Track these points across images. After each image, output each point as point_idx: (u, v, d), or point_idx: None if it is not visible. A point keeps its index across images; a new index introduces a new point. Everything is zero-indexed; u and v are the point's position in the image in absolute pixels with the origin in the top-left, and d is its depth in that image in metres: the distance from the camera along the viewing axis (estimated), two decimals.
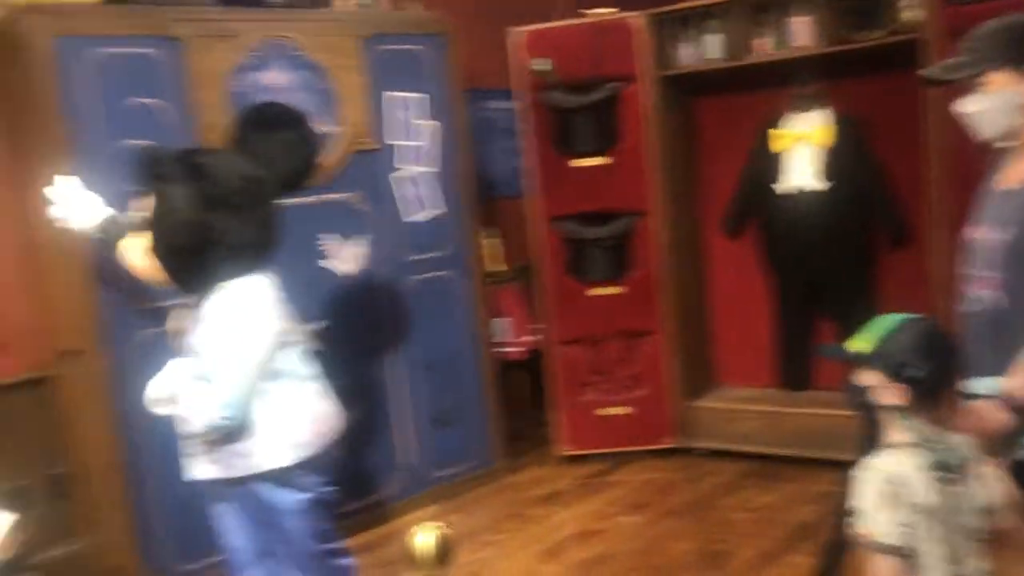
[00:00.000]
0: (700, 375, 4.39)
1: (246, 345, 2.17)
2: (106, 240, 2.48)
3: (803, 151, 3.91)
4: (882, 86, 3.82)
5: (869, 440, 2.11)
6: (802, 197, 3.91)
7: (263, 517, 2.32)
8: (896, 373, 1.81)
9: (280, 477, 2.26)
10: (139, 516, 3.15)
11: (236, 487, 2.29)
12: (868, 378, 1.87)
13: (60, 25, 2.95)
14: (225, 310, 2.19)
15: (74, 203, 2.50)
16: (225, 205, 2.18)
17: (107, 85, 3.04)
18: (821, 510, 3.46)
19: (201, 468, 2.31)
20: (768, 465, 4.01)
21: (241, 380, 2.17)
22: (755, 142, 4.07)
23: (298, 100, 3.44)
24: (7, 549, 2.65)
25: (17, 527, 2.70)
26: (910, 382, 1.80)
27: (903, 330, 1.84)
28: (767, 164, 4.00)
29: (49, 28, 2.92)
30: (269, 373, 2.22)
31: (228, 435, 2.20)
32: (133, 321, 3.08)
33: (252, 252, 2.24)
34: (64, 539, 3.41)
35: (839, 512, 1.96)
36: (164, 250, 2.20)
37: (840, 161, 3.84)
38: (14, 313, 3.31)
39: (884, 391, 1.84)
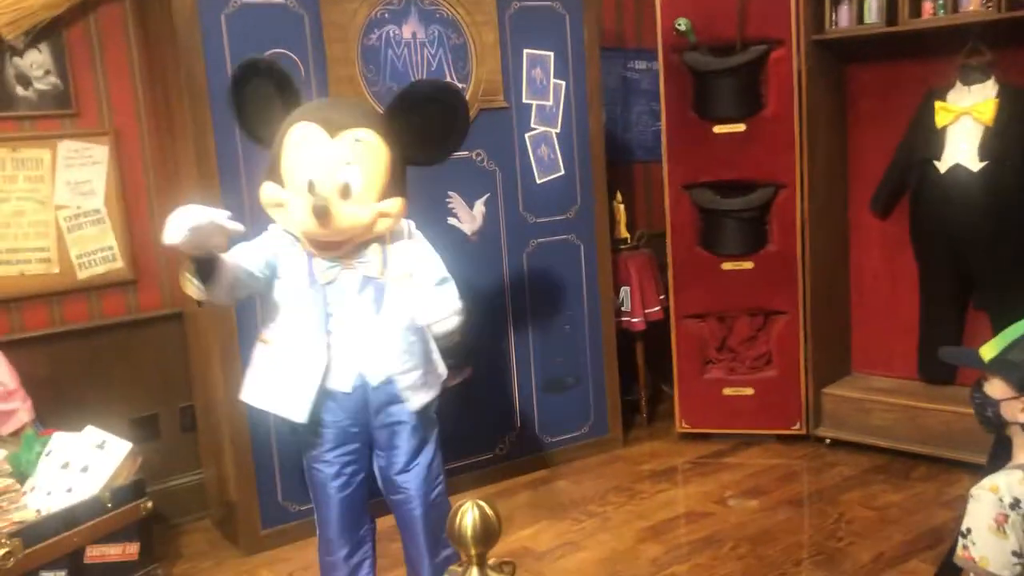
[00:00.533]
0: (834, 360, 4.15)
1: None
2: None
3: (967, 126, 3.57)
4: None
5: (996, 456, 1.91)
6: (962, 176, 3.58)
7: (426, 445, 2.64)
8: (1021, 385, 1.62)
9: None
10: (257, 454, 3.27)
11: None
12: (995, 388, 1.68)
13: None
14: (418, 238, 2.64)
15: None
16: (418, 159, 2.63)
17: (245, 34, 3.11)
18: (953, 516, 3.22)
19: (419, 397, 2.55)
20: (900, 462, 3.76)
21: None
22: (915, 115, 3.76)
23: (431, 56, 3.46)
24: (122, 475, 2.82)
25: (132, 455, 2.88)
26: None
27: None
28: (927, 139, 3.68)
29: None
30: None
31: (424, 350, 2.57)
32: None
33: None
34: (189, 469, 3.62)
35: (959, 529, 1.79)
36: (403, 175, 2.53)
37: (1008, 139, 3.48)
38: (151, 249, 3.49)
39: (1010, 404, 1.65)
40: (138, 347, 3.46)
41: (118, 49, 3.38)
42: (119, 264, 3.42)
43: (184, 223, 2.08)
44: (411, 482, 2.60)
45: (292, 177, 2.38)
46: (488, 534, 1.21)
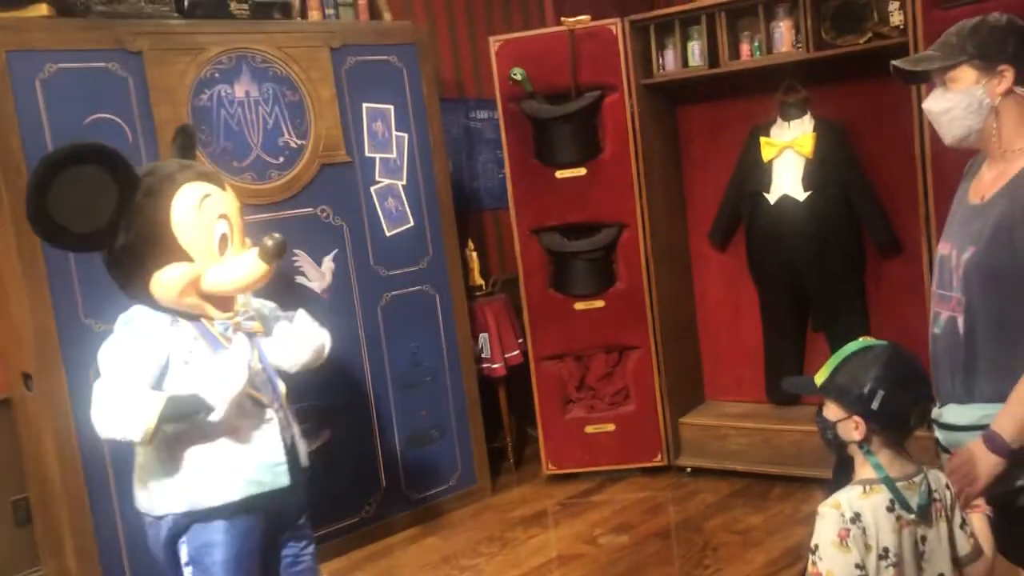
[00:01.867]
0: (688, 390, 4.27)
1: None
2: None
3: (791, 159, 3.79)
4: (868, 92, 3.70)
5: (838, 474, 1.99)
6: (788, 206, 3.79)
7: None
8: (850, 405, 1.70)
9: None
10: (102, 544, 3.05)
11: None
12: (830, 411, 1.76)
13: (12, 39, 2.86)
14: None
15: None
16: None
17: (63, 100, 2.96)
18: (808, 531, 3.33)
19: None
20: (758, 484, 3.89)
21: None
22: (741, 150, 3.96)
23: (266, 113, 3.39)
24: None
25: None
26: (866, 415, 1.68)
27: (857, 359, 1.72)
28: (755, 172, 3.88)
29: (0, 43, 2.84)
30: None
31: None
32: (92, 344, 2.99)
33: None
34: (26, 567, 3.34)
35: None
36: None
37: (826, 169, 3.72)
38: None
39: (844, 424, 1.73)
40: None
41: None
42: None
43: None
44: None
45: (201, 241, 2.15)
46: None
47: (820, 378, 1.75)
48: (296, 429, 2.35)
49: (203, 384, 2.11)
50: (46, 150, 2.91)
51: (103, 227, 2.10)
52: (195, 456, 2.18)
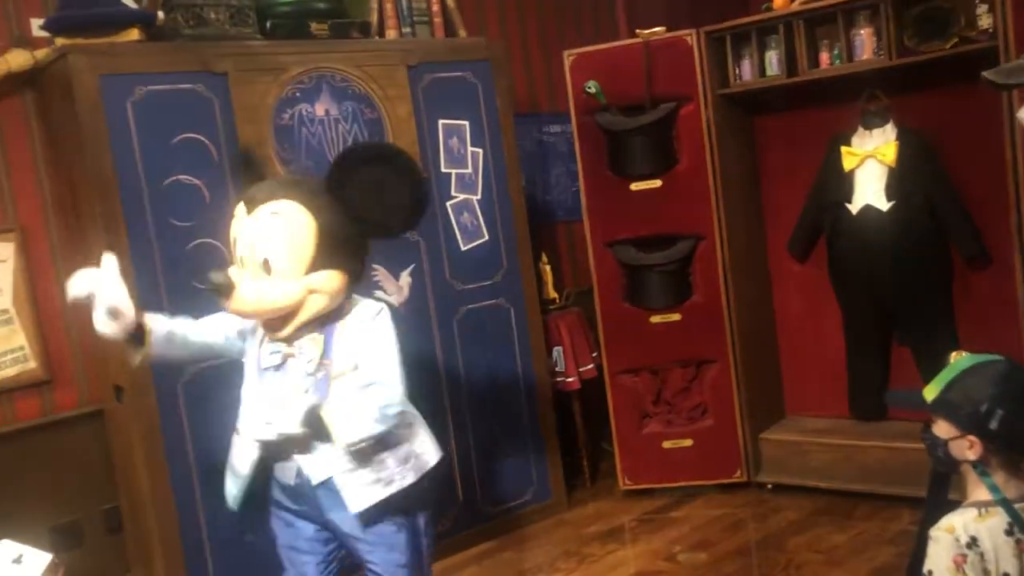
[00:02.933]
0: (768, 405, 4.19)
1: (397, 350, 2.31)
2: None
3: (873, 168, 3.70)
4: (954, 99, 3.59)
5: (935, 493, 1.92)
6: (871, 216, 3.69)
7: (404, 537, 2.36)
8: (966, 424, 1.62)
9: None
10: (188, 551, 3.12)
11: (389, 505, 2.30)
12: (941, 429, 1.69)
13: (105, 64, 2.98)
14: (375, 319, 2.31)
15: (109, 291, 2.28)
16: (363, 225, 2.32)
17: (153, 121, 3.06)
18: (898, 552, 3.24)
19: (364, 495, 2.26)
20: (841, 501, 3.78)
21: (400, 382, 2.29)
22: (823, 160, 3.88)
23: (345, 131, 3.45)
24: None
25: (52, 567, 2.71)
26: (983, 434, 1.61)
27: (973, 375, 1.64)
28: (836, 182, 3.80)
29: (95, 67, 2.96)
30: None
31: (380, 447, 2.28)
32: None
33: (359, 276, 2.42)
34: (120, 573, 3.44)
35: (913, 572, 1.78)
36: (353, 249, 2.32)
37: (910, 178, 3.62)
38: (70, 347, 3.36)
39: (957, 443, 1.65)
40: (56, 450, 3.30)
41: (20, 144, 3.28)
42: (32, 365, 3.28)
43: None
44: None
45: (233, 256, 2.34)
46: None
47: (931, 394, 1.68)
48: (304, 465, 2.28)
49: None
50: (137, 170, 3.02)
51: None
52: None
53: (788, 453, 4.00)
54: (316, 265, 2.23)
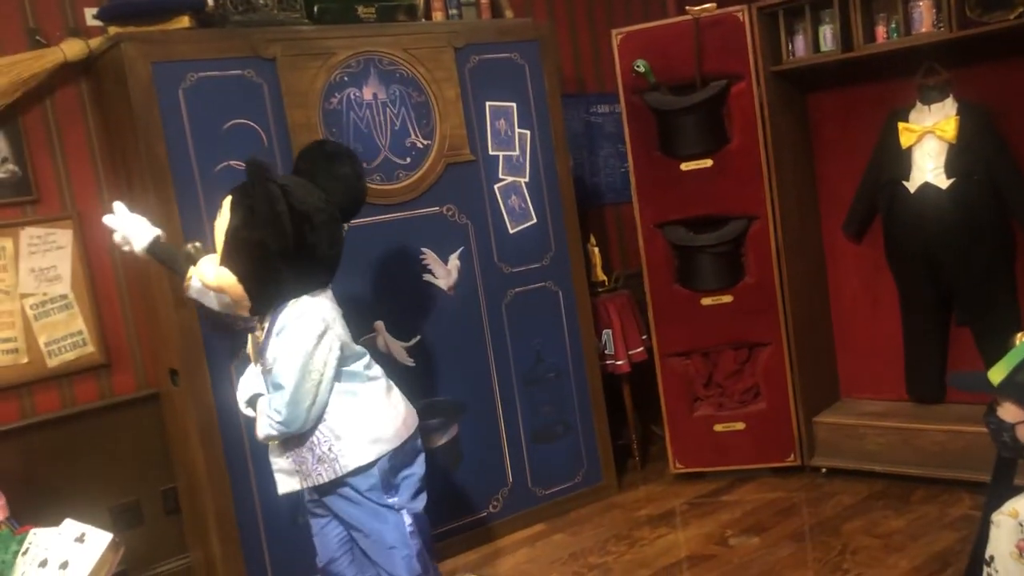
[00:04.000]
0: (822, 387, 4.11)
1: (307, 358, 2.36)
2: (157, 260, 2.75)
3: (932, 145, 3.59)
4: (1018, 71, 3.47)
5: (1000, 477, 1.87)
6: (932, 194, 3.59)
7: (355, 524, 2.52)
8: None
9: (367, 477, 2.45)
10: (244, 532, 3.17)
11: (329, 495, 2.51)
12: (1008, 412, 1.63)
13: (157, 51, 3.01)
14: (293, 324, 2.39)
15: (128, 227, 2.72)
16: (309, 222, 2.37)
17: (204, 108, 3.09)
18: (958, 537, 3.17)
19: (285, 482, 2.54)
20: (898, 486, 3.71)
21: (298, 391, 2.36)
22: (879, 137, 3.78)
23: (393, 115, 3.45)
24: (104, 568, 2.71)
25: (113, 546, 2.77)
26: None
27: None
28: (893, 160, 3.70)
29: (147, 55, 2.99)
30: (338, 381, 2.45)
31: (299, 442, 2.45)
32: (234, 339, 3.12)
33: (324, 270, 2.47)
34: (176, 554, 3.51)
35: (976, 557, 1.73)
36: (252, 258, 2.35)
37: (970, 154, 3.51)
38: (126, 332, 3.43)
39: None
40: (114, 432, 3.37)
41: (77, 132, 3.34)
42: (90, 349, 3.34)
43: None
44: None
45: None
46: None
47: (997, 376, 1.63)
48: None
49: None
50: (189, 156, 3.06)
51: None
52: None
53: (843, 436, 3.92)
54: (222, 262, 2.43)
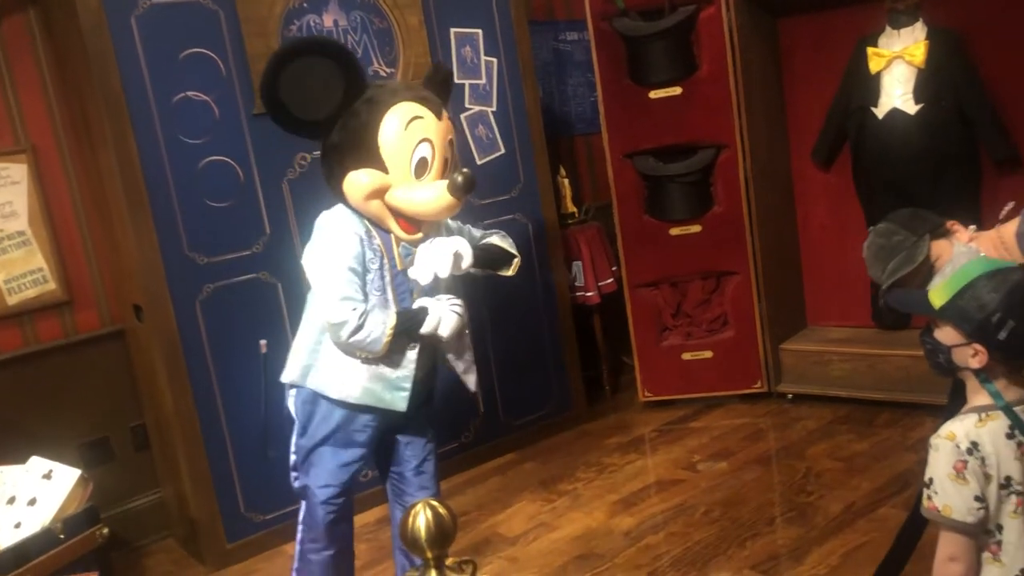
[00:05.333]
0: (789, 316, 4.15)
1: (326, 263, 2.36)
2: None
3: (901, 70, 3.57)
4: None
5: (953, 400, 1.90)
6: (900, 120, 3.58)
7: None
8: (972, 332, 1.58)
9: None
10: (214, 467, 3.18)
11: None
12: (945, 335, 1.65)
13: None
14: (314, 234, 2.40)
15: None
16: None
17: (158, 36, 2.99)
18: (918, 459, 3.22)
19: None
20: (862, 410, 3.78)
21: (328, 291, 2.33)
22: (848, 63, 3.75)
23: (355, 42, 3.36)
24: (73, 504, 2.72)
25: (82, 482, 2.78)
26: (990, 343, 1.57)
27: (986, 282, 1.59)
28: (862, 86, 3.68)
29: None
30: None
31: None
32: (196, 276, 3.08)
33: None
34: (148, 489, 3.52)
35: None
36: None
37: (939, 79, 3.49)
38: (88, 268, 3.37)
39: (961, 350, 1.62)
40: (80, 369, 3.34)
41: (27, 63, 3.23)
42: (51, 286, 3.29)
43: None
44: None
45: (401, 159, 2.28)
46: (443, 535, 1.15)
47: (939, 299, 1.64)
48: (461, 364, 2.57)
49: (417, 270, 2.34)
50: (145, 86, 2.97)
51: (322, 119, 2.29)
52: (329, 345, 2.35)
53: (809, 363, 3.98)
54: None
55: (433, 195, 2.27)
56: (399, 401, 2.38)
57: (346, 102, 2.28)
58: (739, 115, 3.82)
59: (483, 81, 3.71)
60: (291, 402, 2.45)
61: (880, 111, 3.62)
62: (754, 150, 3.86)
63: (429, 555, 1.15)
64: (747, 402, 4.07)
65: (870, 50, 3.61)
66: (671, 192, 3.99)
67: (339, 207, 2.37)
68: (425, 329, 2.33)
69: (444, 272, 2.34)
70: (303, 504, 2.50)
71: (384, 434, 2.53)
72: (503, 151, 3.78)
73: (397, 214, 2.31)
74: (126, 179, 2.97)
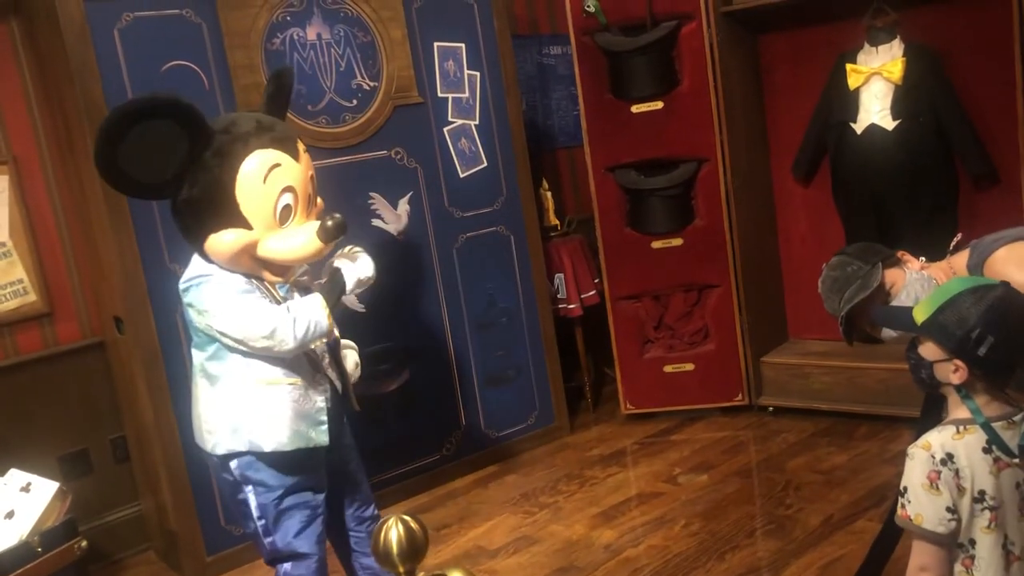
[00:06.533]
0: (770, 328, 4.18)
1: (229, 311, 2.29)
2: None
3: (879, 86, 3.61)
4: (964, 13, 3.49)
5: (927, 413, 1.92)
6: (878, 135, 3.62)
7: None
8: (955, 348, 1.60)
9: None
10: (194, 479, 3.16)
11: None
12: (928, 351, 1.67)
13: None
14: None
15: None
16: None
17: (141, 49, 3.00)
18: (897, 472, 3.24)
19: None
20: (843, 423, 3.80)
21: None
22: (828, 79, 3.79)
23: (338, 55, 3.38)
24: (51, 517, 2.70)
25: (60, 495, 2.76)
26: (970, 359, 1.59)
27: (966, 298, 1.61)
28: (841, 101, 3.71)
29: None
30: None
31: None
32: (178, 288, 3.07)
33: None
34: (127, 502, 3.50)
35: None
36: None
37: (916, 96, 3.53)
38: (69, 279, 3.36)
39: (942, 366, 1.64)
40: (60, 381, 3.33)
41: (9, 74, 3.23)
42: (32, 297, 3.28)
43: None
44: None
45: (263, 210, 2.15)
46: (415, 549, 1.16)
47: (921, 315, 1.65)
48: (347, 379, 2.44)
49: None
50: (127, 98, 2.97)
51: (170, 178, 2.12)
52: (254, 400, 2.24)
53: (790, 376, 4.00)
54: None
55: (302, 242, 2.19)
56: (322, 435, 2.31)
57: (192, 156, 2.11)
58: (720, 129, 3.85)
59: (466, 95, 3.73)
60: (236, 472, 2.29)
61: (859, 127, 3.66)
62: (735, 164, 3.90)
63: (401, 570, 1.16)
64: (728, 415, 4.09)
65: (849, 66, 3.65)
66: (653, 205, 4.02)
67: (197, 261, 2.25)
68: (351, 284, 2.34)
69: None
70: (281, 570, 2.35)
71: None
72: (486, 164, 3.80)
73: (269, 265, 2.23)
74: (107, 191, 2.95)
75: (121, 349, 3.24)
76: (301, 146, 2.28)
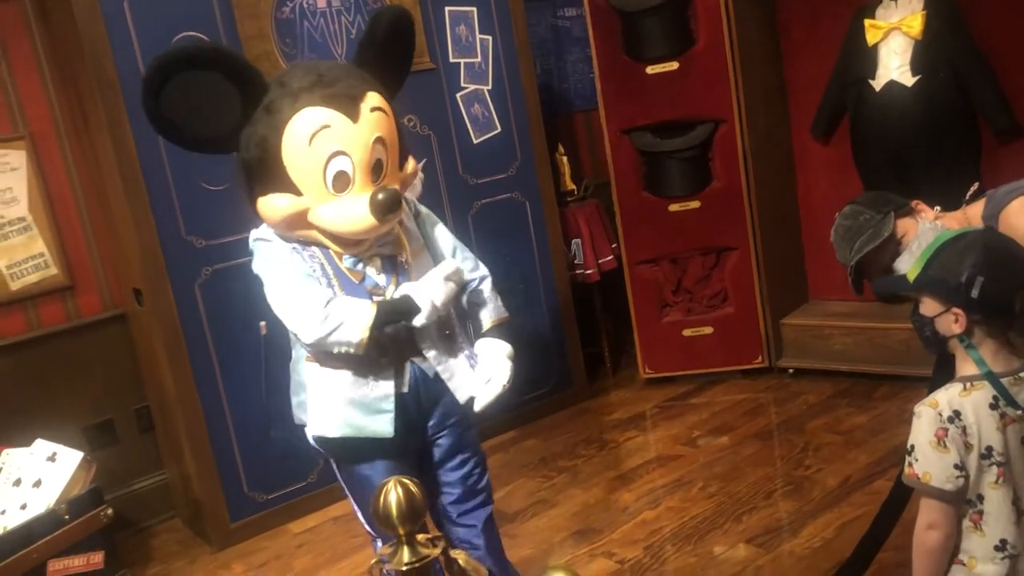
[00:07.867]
0: (790, 290, 4.15)
1: (277, 286, 2.08)
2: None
3: (898, 42, 3.54)
4: None
5: (939, 372, 1.91)
6: (897, 92, 3.55)
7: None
8: (948, 297, 1.60)
9: None
10: (217, 448, 3.21)
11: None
12: (926, 306, 1.67)
13: None
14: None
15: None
16: None
17: (151, 19, 3.00)
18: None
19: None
20: (863, 384, 3.78)
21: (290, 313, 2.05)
22: (846, 35, 3.72)
23: (348, 23, 3.36)
24: (77, 485, 2.76)
25: (85, 464, 2.82)
26: (965, 304, 1.58)
27: (950, 248, 1.61)
28: (860, 58, 3.64)
29: None
30: None
31: None
32: (195, 259, 3.11)
33: None
34: (152, 471, 3.56)
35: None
36: None
37: (936, 50, 3.45)
38: (89, 252, 3.40)
39: (942, 318, 1.63)
40: (83, 353, 3.38)
41: (23, 49, 3.25)
42: (53, 271, 3.32)
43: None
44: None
45: (311, 176, 1.90)
46: (414, 511, 1.17)
47: (912, 273, 1.66)
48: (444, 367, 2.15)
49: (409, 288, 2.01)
50: (138, 71, 2.97)
51: (225, 134, 1.94)
52: (304, 377, 2.10)
53: (809, 337, 3.98)
54: (404, 156, 2.05)
55: (355, 216, 1.91)
56: (383, 425, 2.03)
57: (246, 110, 1.92)
58: (736, 89, 3.80)
59: (478, 59, 3.70)
60: (314, 444, 2.14)
61: (878, 83, 3.59)
62: (752, 124, 3.85)
63: (401, 532, 1.17)
64: (748, 377, 4.08)
65: (867, 22, 3.58)
66: (669, 168, 3.98)
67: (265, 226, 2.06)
68: (420, 322, 1.97)
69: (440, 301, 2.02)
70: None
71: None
72: (500, 129, 3.78)
73: (330, 235, 1.98)
74: (122, 164, 2.99)
75: (142, 320, 3.28)
76: (370, 104, 1.93)
